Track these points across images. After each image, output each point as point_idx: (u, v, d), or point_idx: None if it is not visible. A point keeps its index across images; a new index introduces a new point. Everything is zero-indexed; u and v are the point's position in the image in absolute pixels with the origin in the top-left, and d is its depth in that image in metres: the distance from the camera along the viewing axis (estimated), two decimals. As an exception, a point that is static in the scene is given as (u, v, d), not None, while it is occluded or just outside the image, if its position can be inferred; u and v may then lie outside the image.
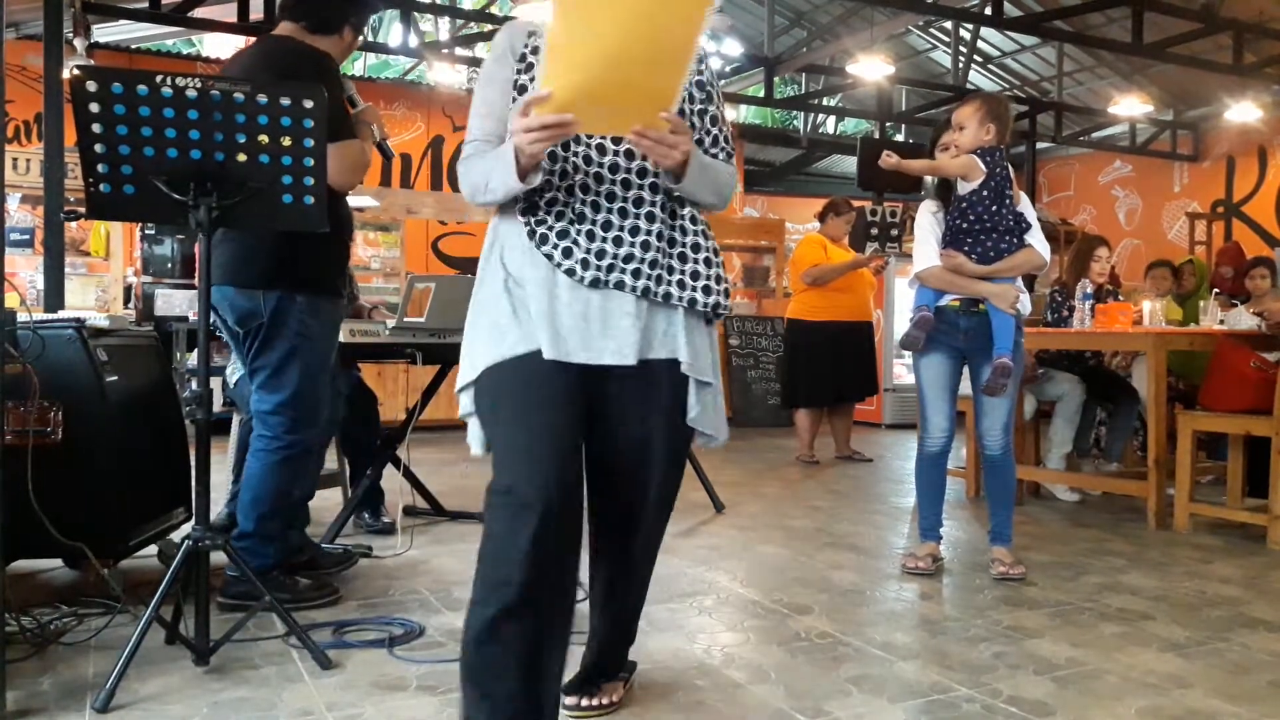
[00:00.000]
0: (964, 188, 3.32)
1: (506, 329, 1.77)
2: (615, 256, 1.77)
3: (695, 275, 1.86)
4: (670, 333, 1.83)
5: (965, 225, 3.31)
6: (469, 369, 1.82)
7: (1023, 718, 2.11)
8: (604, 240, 1.78)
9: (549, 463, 1.66)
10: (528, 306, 1.77)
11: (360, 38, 3.04)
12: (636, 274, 1.78)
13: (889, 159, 3.42)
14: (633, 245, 1.78)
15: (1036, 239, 3.34)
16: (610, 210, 1.80)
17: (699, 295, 1.85)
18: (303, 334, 2.75)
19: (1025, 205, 3.38)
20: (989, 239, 3.28)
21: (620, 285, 1.77)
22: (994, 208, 3.28)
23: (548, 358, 1.73)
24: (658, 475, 1.90)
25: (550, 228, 1.79)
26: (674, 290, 1.82)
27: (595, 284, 1.76)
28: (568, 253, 1.77)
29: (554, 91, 1.55)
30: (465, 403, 1.83)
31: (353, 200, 3.09)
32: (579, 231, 1.78)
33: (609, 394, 1.82)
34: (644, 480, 1.90)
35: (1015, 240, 3.30)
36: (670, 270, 1.83)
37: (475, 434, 1.81)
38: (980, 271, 3.28)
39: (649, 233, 1.80)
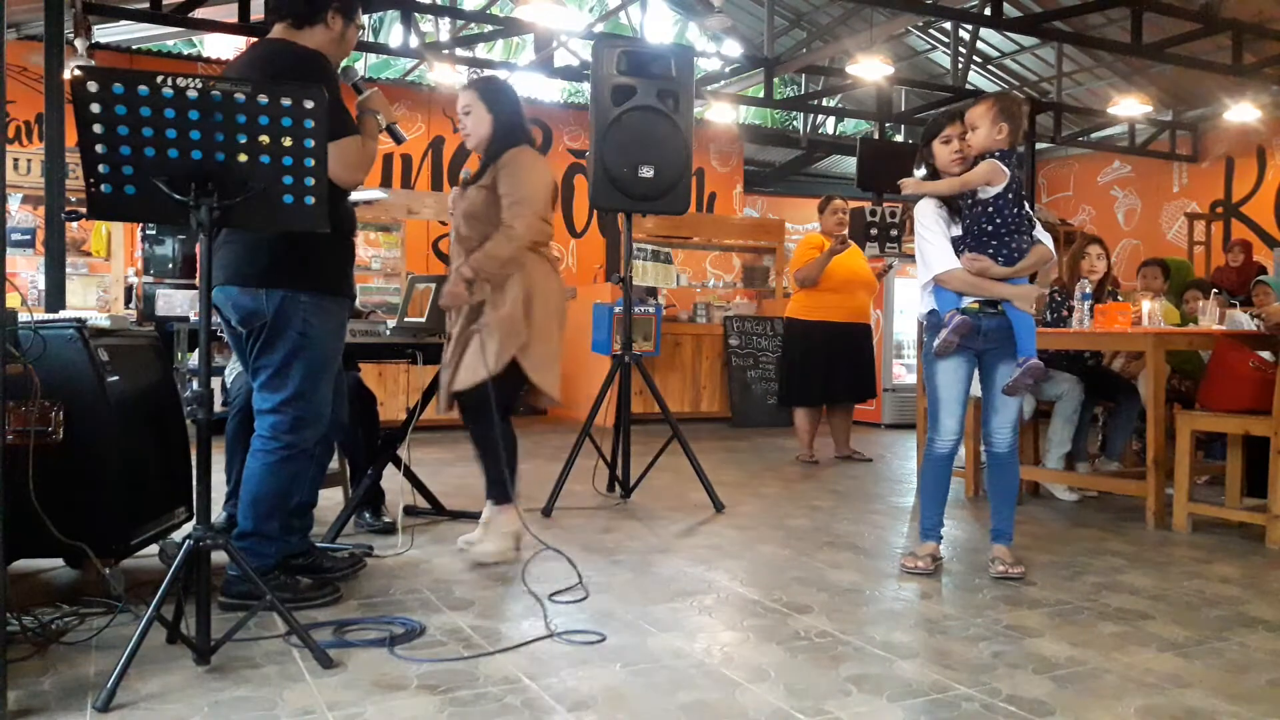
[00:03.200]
0: (987, 191, 3.29)
1: None
2: None
3: None
4: None
5: (991, 229, 3.28)
6: None
7: (1022, 717, 2.11)
8: None
9: None
10: None
11: (358, 26, 2.93)
12: None
13: (908, 185, 3.39)
14: None
15: (1043, 234, 3.37)
16: None
17: None
18: (306, 334, 2.75)
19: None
20: (1014, 240, 3.28)
21: None
22: (1015, 209, 3.28)
23: None
24: None
25: None
26: None
27: None
28: None
29: None
30: None
31: (360, 194, 3.06)
32: None
33: None
34: None
35: (1030, 240, 3.32)
36: None
37: None
38: (1005, 274, 3.29)
39: None
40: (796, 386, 6.25)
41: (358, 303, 4.33)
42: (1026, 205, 3.34)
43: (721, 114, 10.90)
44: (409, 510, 3.98)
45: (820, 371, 6.10)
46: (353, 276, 3.13)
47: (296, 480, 2.85)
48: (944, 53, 11.60)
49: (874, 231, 9.33)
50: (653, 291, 8.15)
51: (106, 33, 9.20)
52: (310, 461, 2.92)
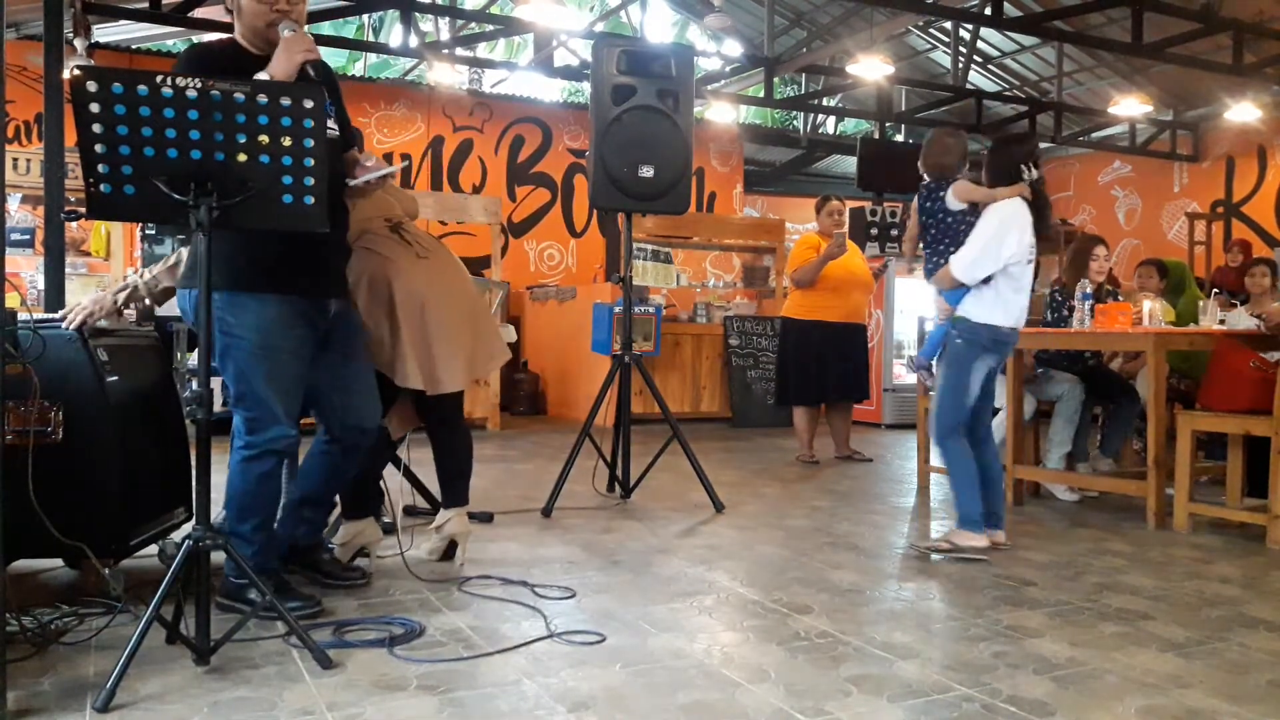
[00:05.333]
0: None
1: None
2: None
3: None
4: None
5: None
6: None
7: (1023, 717, 2.11)
8: None
9: None
10: None
11: None
12: None
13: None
14: None
15: (956, 256, 3.68)
16: None
17: None
18: (227, 333, 2.67)
19: (987, 216, 3.64)
20: (929, 262, 3.96)
21: None
22: (928, 236, 3.96)
23: None
24: None
25: None
26: None
27: None
28: None
29: None
30: None
31: (371, 174, 2.91)
32: None
33: None
34: None
35: (944, 261, 3.78)
36: None
37: None
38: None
39: None
40: (792, 385, 6.28)
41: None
42: (985, 217, 3.67)
43: (721, 113, 10.90)
44: (409, 510, 3.98)
45: (815, 371, 6.12)
46: (315, 274, 2.82)
47: (267, 481, 2.75)
48: (944, 52, 11.60)
49: (874, 231, 9.35)
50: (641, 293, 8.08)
51: (106, 32, 9.20)
52: (280, 461, 2.79)
